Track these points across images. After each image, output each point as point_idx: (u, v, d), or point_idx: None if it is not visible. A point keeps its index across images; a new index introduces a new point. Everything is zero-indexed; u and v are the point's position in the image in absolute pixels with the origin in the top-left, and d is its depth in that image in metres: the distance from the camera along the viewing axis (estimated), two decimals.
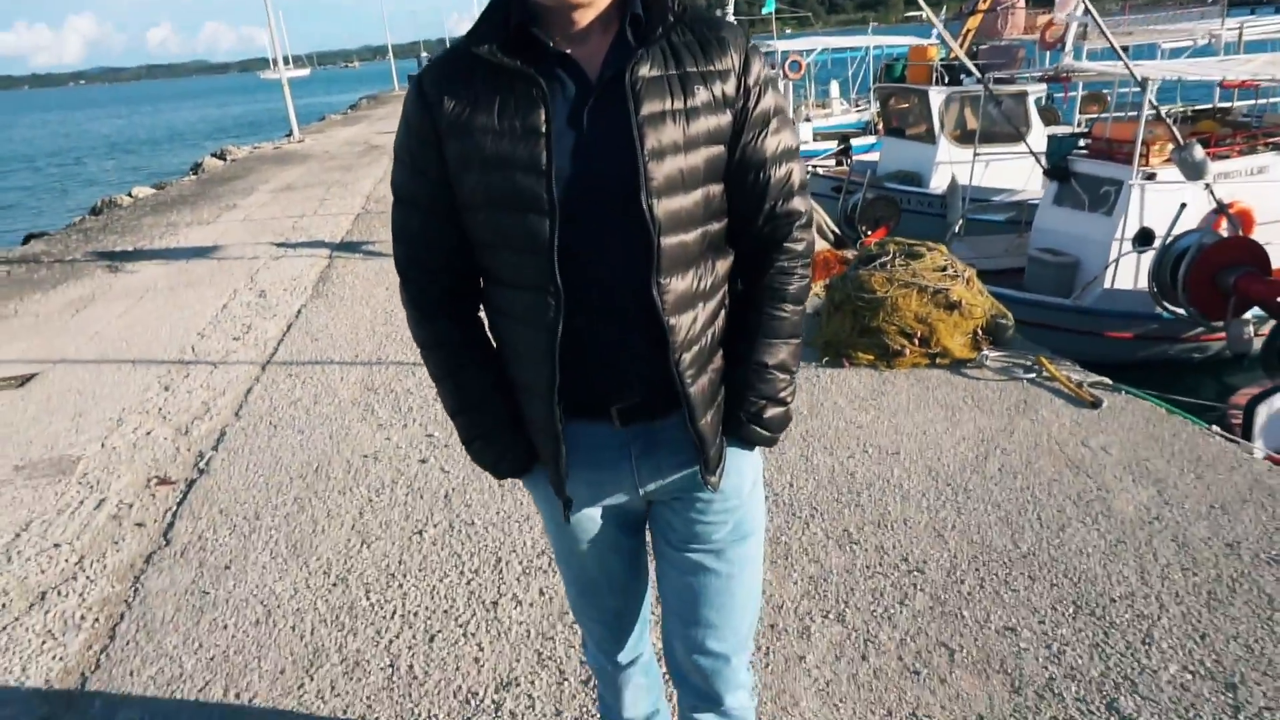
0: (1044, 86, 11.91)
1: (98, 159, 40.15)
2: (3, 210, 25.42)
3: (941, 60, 11.77)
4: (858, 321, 4.52)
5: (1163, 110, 7.44)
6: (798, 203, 1.36)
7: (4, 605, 2.98)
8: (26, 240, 11.99)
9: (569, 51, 1.23)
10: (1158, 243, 6.53)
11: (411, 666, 2.52)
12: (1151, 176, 7.58)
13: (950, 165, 10.87)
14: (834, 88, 24.10)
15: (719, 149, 1.27)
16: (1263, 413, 4.37)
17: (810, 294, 1.40)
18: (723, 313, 1.38)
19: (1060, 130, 11.32)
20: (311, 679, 2.50)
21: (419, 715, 2.33)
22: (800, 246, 1.39)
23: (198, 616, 2.84)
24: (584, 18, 1.24)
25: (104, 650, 2.71)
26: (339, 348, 5.43)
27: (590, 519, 1.48)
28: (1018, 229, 9.76)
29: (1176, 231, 6.35)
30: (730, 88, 1.26)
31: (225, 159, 19.83)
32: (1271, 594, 2.57)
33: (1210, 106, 10.48)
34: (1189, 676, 2.27)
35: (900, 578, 2.76)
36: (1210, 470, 3.30)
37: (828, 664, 2.40)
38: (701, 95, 1.24)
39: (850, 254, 5.85)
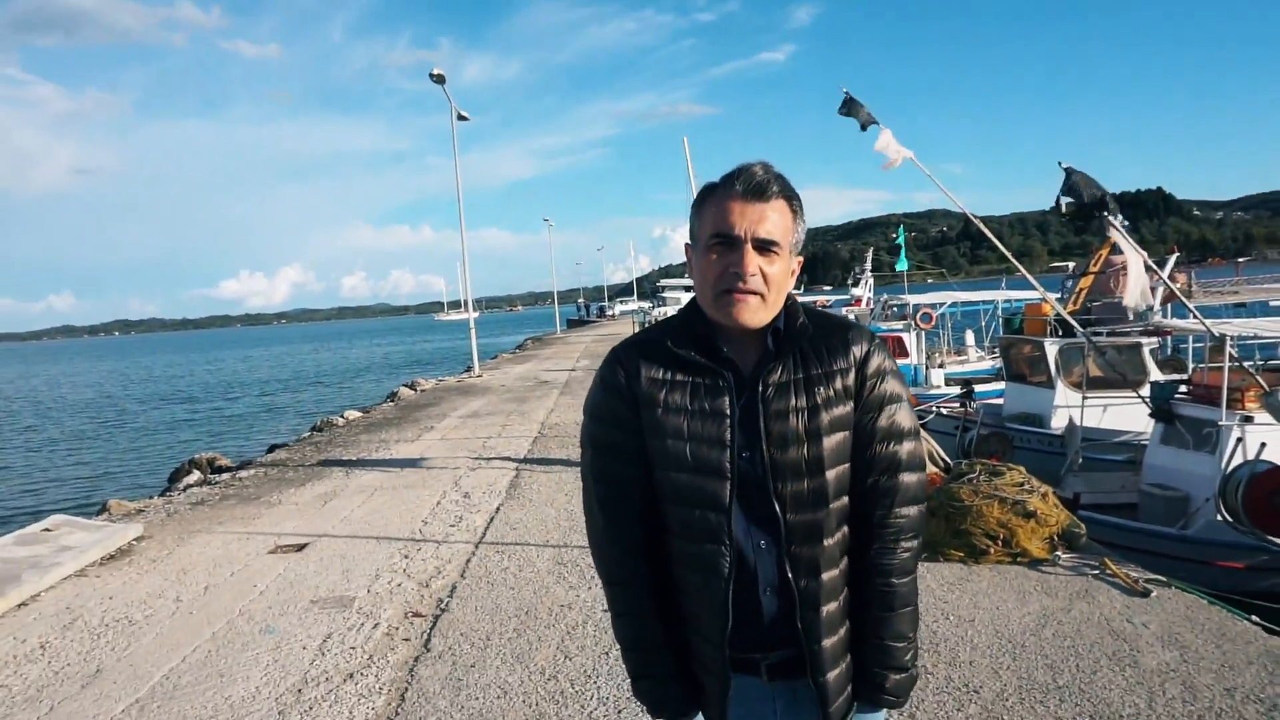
0: (1156, 339, 12.83)
1: (301, 386, 46.15)
2: (239, 425, 29.73)
3: (1056, 315, 13.01)
4: (950, 525, 5.58)
5: (1247, 363, 8.31)
6: (904, 478, 1.57)
7: (330, 679, 4.38)
8: (271, 449, 14.59)
9: (731, 356, 1.56)
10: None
11: None
12: (1249, 419, 8.33)
13: (1068, 409, 11.76)
14: (969, 336, 25.45)
15: (844, 435, 1.54)
16: None
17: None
18: (845, 579, 1.59)
19: (1177, 377, 12.09)
20: None
21: None
22: (904, 521, 1.57)
23: (457, 691, 4.12)
24: (746, 335, 1.56)
25: (399, 706, 4.01)
26: (533, 534, 6.89)
27: None
28: (1133, 467, 10.40)
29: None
30: (851, 380, 1.54)
31: (415, 389, 22.94)
32: (1248, 719, 3.39)
33: None
34: None
35: (959, 695, 3.74)
36: (1230, 643, 4.10)
37: None
38: (823, 393, 1.52)
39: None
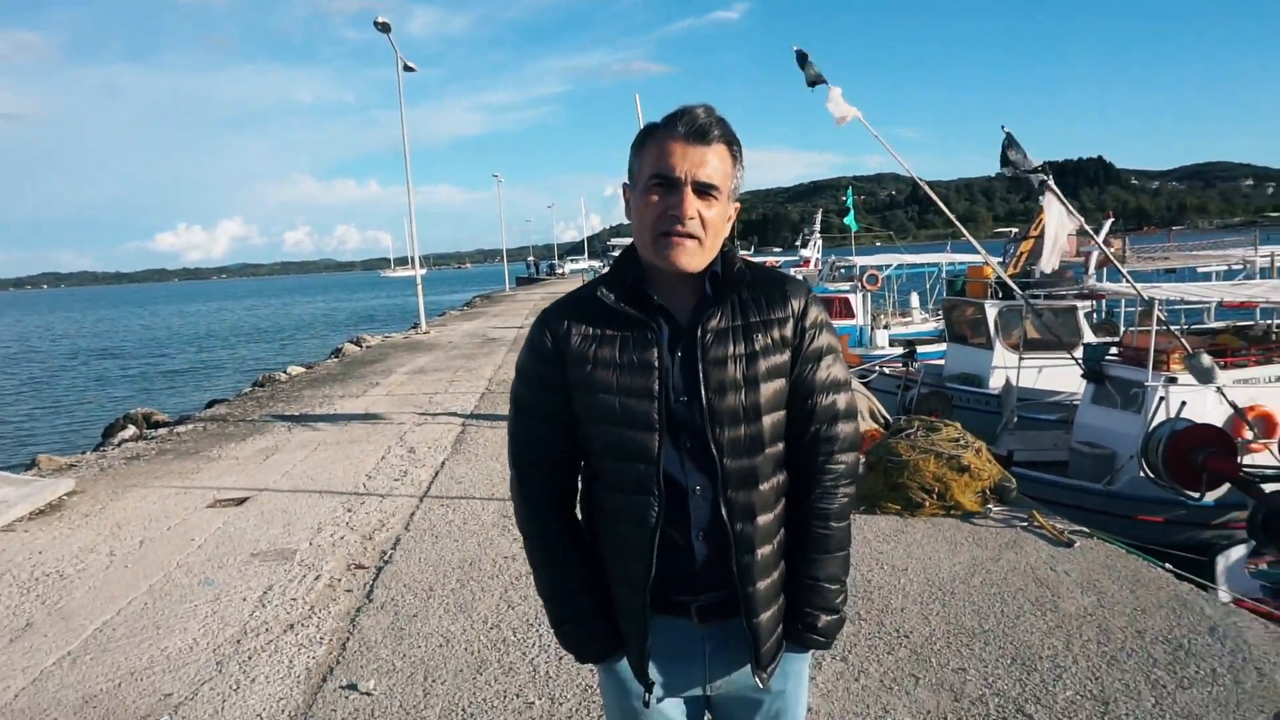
0: (1091, 303, 13.22)
1: (243, 342, 45.06)
2: (177, 381, 29.00)
3: (996, 278, 13.30)
4: (888, 479, 5.73)
5: (1174, 327, 8.63)
6: (841, 428, 1.61)
7: (270, 629, 4.35)
8: (210, 404, 14.27)
9: (664, 303, 1.55)
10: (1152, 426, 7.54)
11: (546, 671, 3.73)
12: (1173, 380, 8.66)
13: (1005, 369, 12.09)
14: (914, 299, 25.92)
15: (780, 383, 1.56)
16: (1220, 562, 5.24)
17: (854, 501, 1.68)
18: (783, 529, 1.62)
19: (1109, 340, 12.49)
20: (480, 675, 3.74)
21: (554, 698, 3.53)
22: (841, 468, 1.61)
23: (399, 640, 4.14)
24: (682, 280, 1.56)
25: (339, 656, 4.01)
26: (478, 488, 6.88)
27: (659, 712, 1.66)
28: (1065, 427, 10.77)
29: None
30: (789, 331, 1.56)
31: (361, 345, 22.60)
32: (1153, 656, 3.59)
33: (1228, 325, 11.57)
34: (1079, 698, 3.30)
35: (890, 640, 3.87)
36: (1144, 589, 4.31)
37: (830, 683, 3.51)
38: (761, 340, 1.53)
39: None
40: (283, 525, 6.17)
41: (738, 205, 1.62)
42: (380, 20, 21.50)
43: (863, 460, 6.30)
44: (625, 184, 1.62)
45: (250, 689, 3.73)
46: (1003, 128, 8.05)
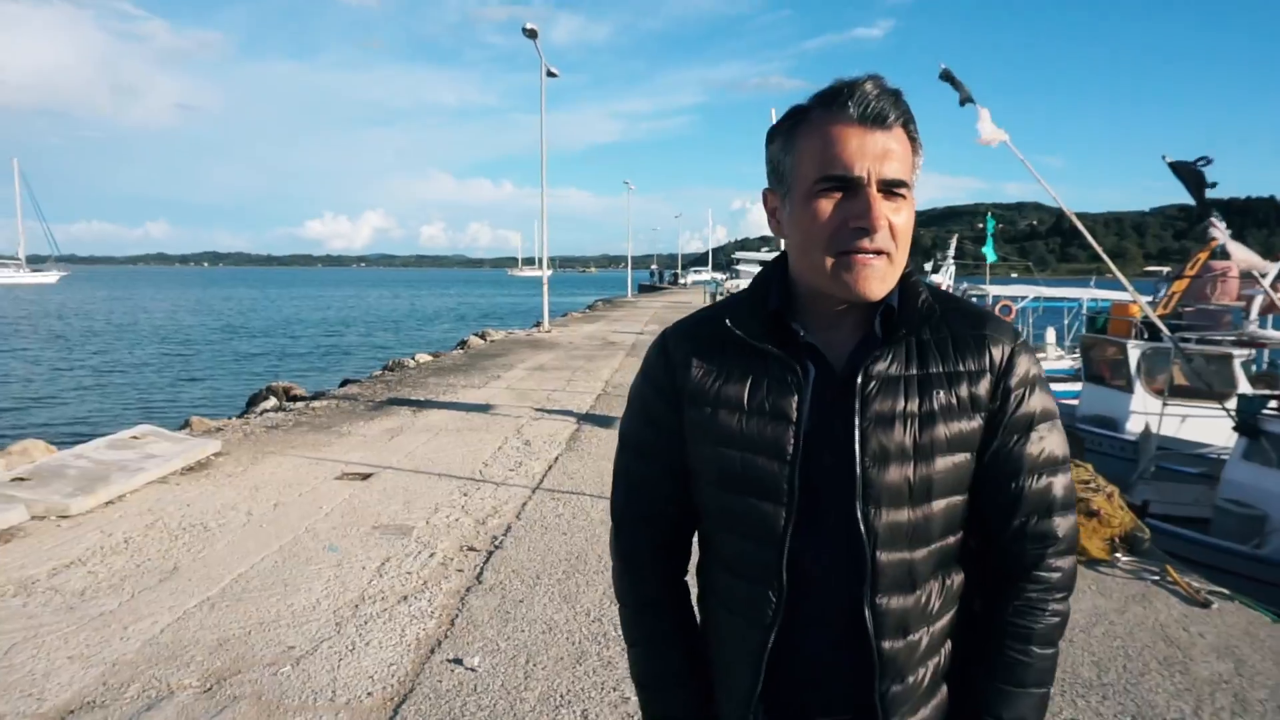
0: (1252, 351, 12.25)
1: (377, 329, 47.50)
2: (316, 359, 30.92)
3: (1143, 317, 12.53)
4: None
5: None
6: (1058, 523, 1.22)
7: (386, 598, 4.58)
8: (344, 383, 15.10)
9: (813, 341, 1.20)
10: None
11: None
12: None
13: (1145, 415, 11.36)
14: (1049, 334, 24.68)
15: (965, 457, 1.19)
16: None
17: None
18: (948, 643, 1.25)
19: (1268, 392, 11.55)
20: (580, 665, 3.83)
21: None
22: (1055, 577, 1.22)
23: (505, 622, 4.27)
24: (845, 312, 1.21)
25: (448, 630, 4.18)
26: (589, 485, 7.02)
27: None
28: (1209, 481, 10.02)
29: None
30: (983, 389, 1.18)
31: (485, 339, 23.38)
32: None
33: None
34: None
35: None
36: None
37: None
38: (942, 398, 1.17)
39: None
40: (403, 502, 6.47)
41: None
42: (528, 26, 22.25)
43: None
44: (767, 189, 1.26)
45: (365, 651, 3.93)
46: (1164, 158, 7.60)
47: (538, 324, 26.70)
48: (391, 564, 5.11)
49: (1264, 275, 9.85)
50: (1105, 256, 9.95)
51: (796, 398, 1.18)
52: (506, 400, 11.69)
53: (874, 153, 1.13)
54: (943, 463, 1.17)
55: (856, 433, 1.15)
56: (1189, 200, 10.25)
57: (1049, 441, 1.22)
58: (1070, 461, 1.27)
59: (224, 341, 37.43)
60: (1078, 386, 16.16)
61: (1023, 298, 21.13)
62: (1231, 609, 4.65)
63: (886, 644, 1.17)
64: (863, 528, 1.15)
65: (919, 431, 1.16)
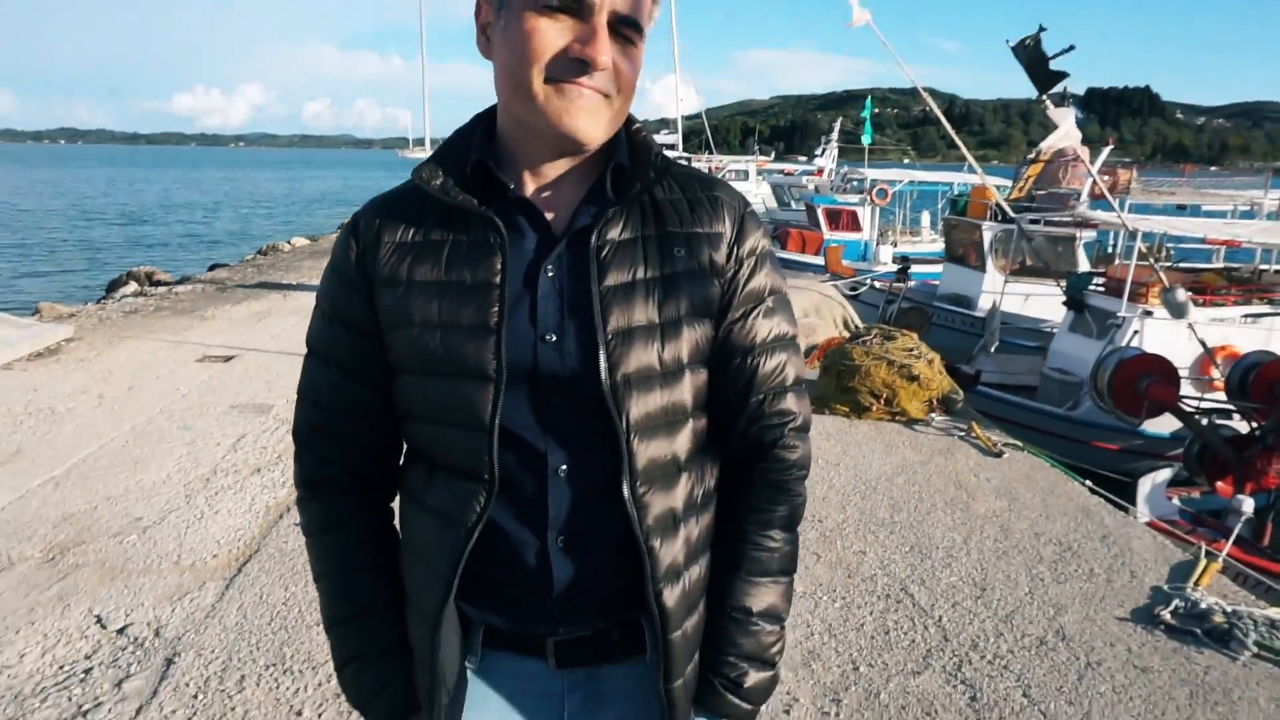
0: (1093, 233, 13.16)
1: (252, 213, 45.20)
2: (185, 243, 29.36)
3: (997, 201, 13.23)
4: (840, 382, 5.96)
5: (1152, 260, 8.71)
6: (791, 401, 1.13)
7: (239, 471, 4.69)
8: (212, 268, 14.53)
9: (530, 197, 1.06)
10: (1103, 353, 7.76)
11: None
12: (1149, 314, 8.78)
13: (994, 293, 12.18)
14: (924, 218, 25.65)
15: (707, 326, 1.07)
16: (1146, 484, 5.52)
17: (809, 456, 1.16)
18: (711, 534, 1.14)
19: (1095, 270, 12.53)
20: None
21: None
22: (795, 455, 1.12)
23: None
24: (563, 164, 1.06)
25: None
26: None
27: None
28: (1044, 353, 10.95)
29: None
30: (721, 255, 1.07)
31: None
32: (1041, 555, 3.88)
33: (1219, 266, 11.58)
34: (960, 583, 3.61)
35: (805, 524, 4.14)
36: (1054, 498, 4.59)
37: None
38: (684, 262, 1.05)
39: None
40: (264, 382, 6.48)
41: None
42: None
43: (819, 364, 6.53)
44: (482, 0, 1.05)
45: (213, 519, 4.07)
46: (1007, 41, 7.93)
47: None
48: (248, 440, 5.19)
49: (1076, 157, 10.49)
50: (955, 136, 10.41)
51: (501, 259, 1.01)
52: None
53: None
54: (689, 333, 1.05)
55: (596, 304, 1.01)
56: (1078, 89, 10.75)
57: (780, 317, 1.13)
58: (799, 344, 1.19)
59: (79, 228, 34.93)
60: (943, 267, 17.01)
61: (899, 181, 21.77)
62: (1020, 457, 5.26)
63: (655, 540, 1.04)
64: (614, 412, 1.00)
65: (662, 298, 1.03)
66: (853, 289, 14.00)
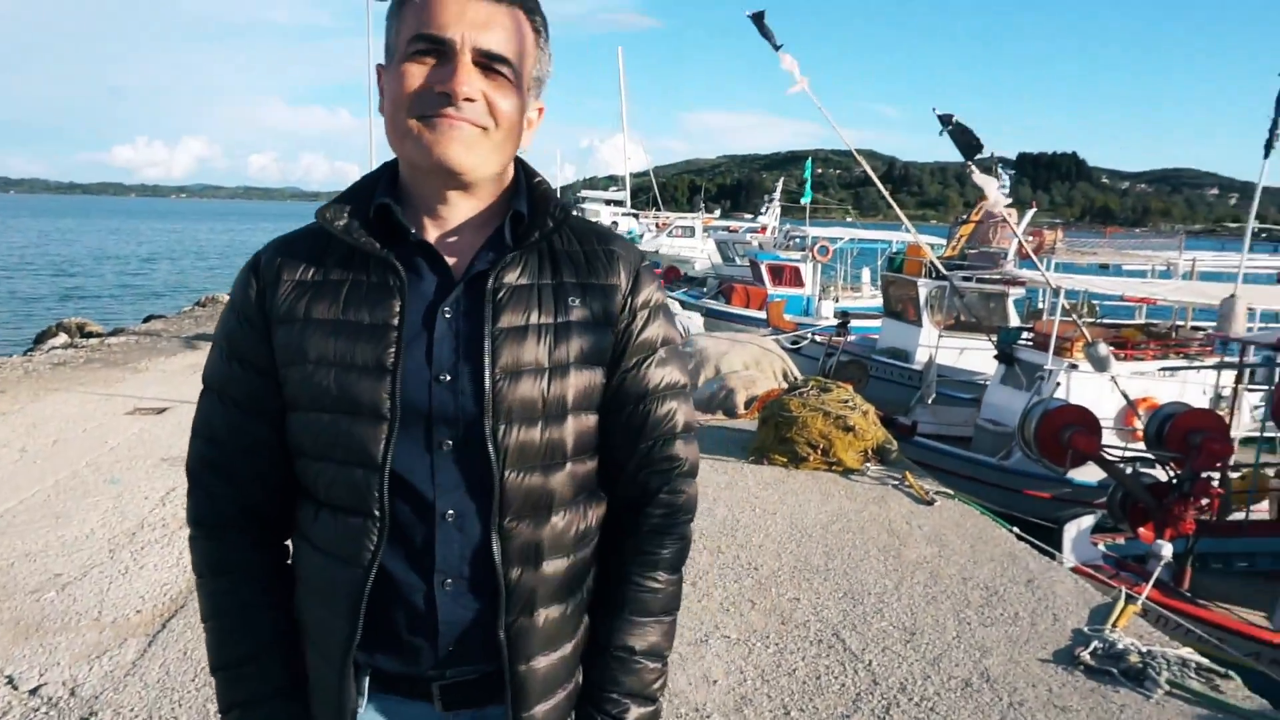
0: (1023, 290, 13.70)
1: (192, 265, 44.41)
2: (120, 295, 28.65)
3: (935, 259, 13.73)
4: (778, 432, 6.07)
5: (1076, 317, 9.10)
6: (680, 448, 1.18)
7: (167, 525, 4.57)
8: (147, 319, 14.22)
9: (432, 242, 1.09)
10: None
11: None
12: (1074, 367, 9.13)
13: (929, 347, 12.55)
14: (865, 274, 26.37)
15: (597, 374, 1.12)
16: (1071, 529, 5.70)
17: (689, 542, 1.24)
18: (590, 576, 1.17)
19: (1024, 325, 13.01)
20: None
21: None
22: (680, 499, 1.18)
23: None
24: (459, 207, 1.10)
25: None
26: None
27: None
28: (978, 406, 11.28)
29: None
30: (615, 306, 1.12)
31: None
32: (969, 599, 3.99)
33: (1140, 322, 12.15)
34: (891, 628, 3.68)
35: (741, 570, 4.22)
36: (982, 544, 4.72)
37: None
38: (578, 311, 1.10)
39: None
40: None
41: (542, 108, 1.17)
42: None
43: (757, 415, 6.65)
44: (380, 65, 1.12)
45: (138, 574, 3.96)
46: (934, 110, 8.34)
47: None
48: (178, 492, 5.07)
49: (1003, 219, 10.97)
50: (889, 198, 10.82)
51: (399, 302, 1.05)
52: None
53: (474, 20, 1.03)
54: (577, 378, 1.09)
55: (487, 344, 1.04)
56: (1010, 154, 11.29)
57: (672, 366, 1.18)
58: (689, 393, 1.25)
59: (5, 279, 33.78)
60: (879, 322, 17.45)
61: (839, 239, 22.44)
62: (950, 505, 5.40)
63: (515, 571, 1.06)
64: (491, 447, 1.04)
65: (553, 343, 1.08)
66: (794, 343, 14.28)
